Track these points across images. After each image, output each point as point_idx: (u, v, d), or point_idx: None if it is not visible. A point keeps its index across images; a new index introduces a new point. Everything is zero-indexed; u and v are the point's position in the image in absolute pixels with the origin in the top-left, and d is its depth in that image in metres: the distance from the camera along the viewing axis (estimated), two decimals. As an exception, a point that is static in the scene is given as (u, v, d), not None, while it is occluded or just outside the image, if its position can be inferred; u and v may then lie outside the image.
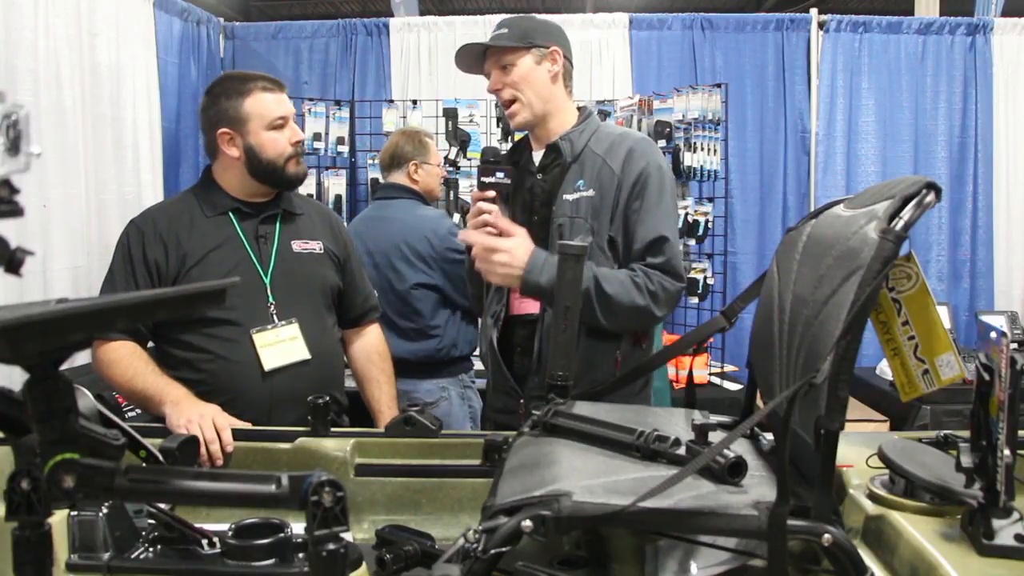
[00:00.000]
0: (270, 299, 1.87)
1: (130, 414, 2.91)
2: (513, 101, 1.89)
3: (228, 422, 1.61)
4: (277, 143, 1.91)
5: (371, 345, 2.14)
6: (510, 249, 1.75)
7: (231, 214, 1.93)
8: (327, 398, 1.56)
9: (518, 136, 2.43)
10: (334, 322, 2.03)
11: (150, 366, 1.79)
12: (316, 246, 1.99)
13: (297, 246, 1.96)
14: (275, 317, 1.87)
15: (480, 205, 1.80)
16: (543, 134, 1.94)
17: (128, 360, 1.79)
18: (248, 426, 1.69)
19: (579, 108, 1.98)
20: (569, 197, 1.85)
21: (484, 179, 1.80)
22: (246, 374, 1.82)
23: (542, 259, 1.75)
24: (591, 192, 1.84)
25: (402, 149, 2.92)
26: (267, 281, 1.89)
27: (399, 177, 2.94)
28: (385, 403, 2.08)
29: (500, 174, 1.80)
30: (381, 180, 3.10)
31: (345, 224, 2.20)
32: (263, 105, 1.90)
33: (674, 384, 3.33)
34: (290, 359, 1.85)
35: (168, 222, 1.91)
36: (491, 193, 1.79)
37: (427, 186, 2.96)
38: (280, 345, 1.85)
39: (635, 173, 1.83)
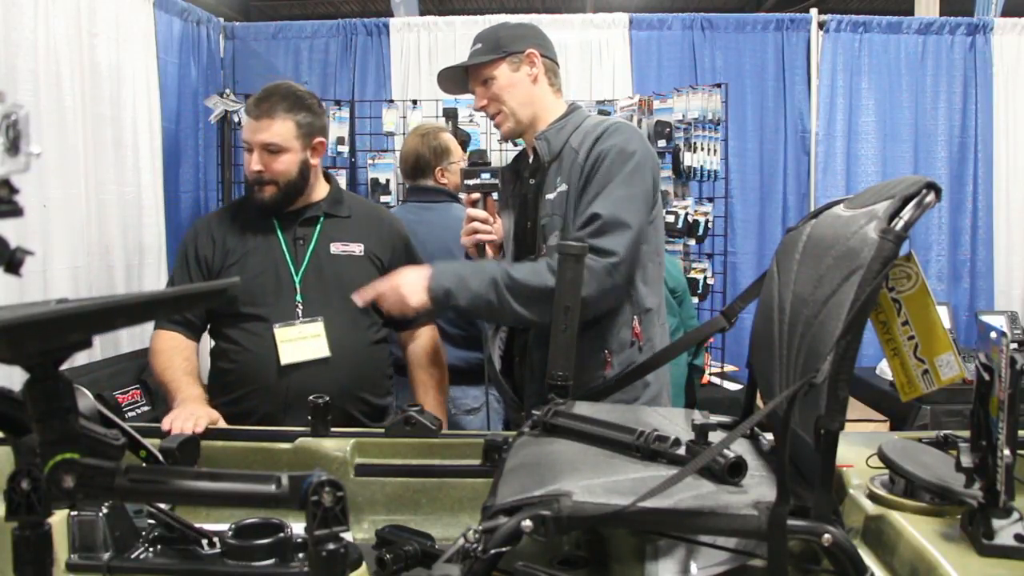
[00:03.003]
0: (298, 298, 1.94)
1: (130, 414, 2.91)
2: (499, 113, 1.88)
3: (206, 424, 1.67)
4: (248, 166, 1.97)
5: (421, 349, 2.12)
6: (401, 276, 1.74)
7: (275, 218, 2.01)
8: (327, 398, 1.56)
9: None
10: (370, 324, 2.02)
11: (184, 362, 1.91)
12: (356, 248, 2.02)
13: (336, 248, 2.01)
14: (300, 314, 1.93)
15: (470, 212, 1.82)
16: (533, 139, 1.90)
17: (168, 353, 1.92)
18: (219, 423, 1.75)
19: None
20: (550, 196, 1.82)
21: (469, 181, 1.82)
22: (264, 366, 1.90)
23: (442, 267, 1.73)
24: (565, 187, 1.80)
25: (423, 159, 2.82)
26: (297, 280, 1.95)
27: (428, 181, 2.84)
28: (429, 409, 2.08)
29: (486, 175, 1.82)
30: (405, 183, 3.00)
31: (405, 229, 2.17)
32: (244, 128, 2.02)
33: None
34: (309, 355, 1.90)
35: (220, 220, 2.05)
36: (476, 195, 1.82)
37: (455, 182, 2.84)
38: (301, 341, 1.91)
39: (594, 155, 1.76)
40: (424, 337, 2.14)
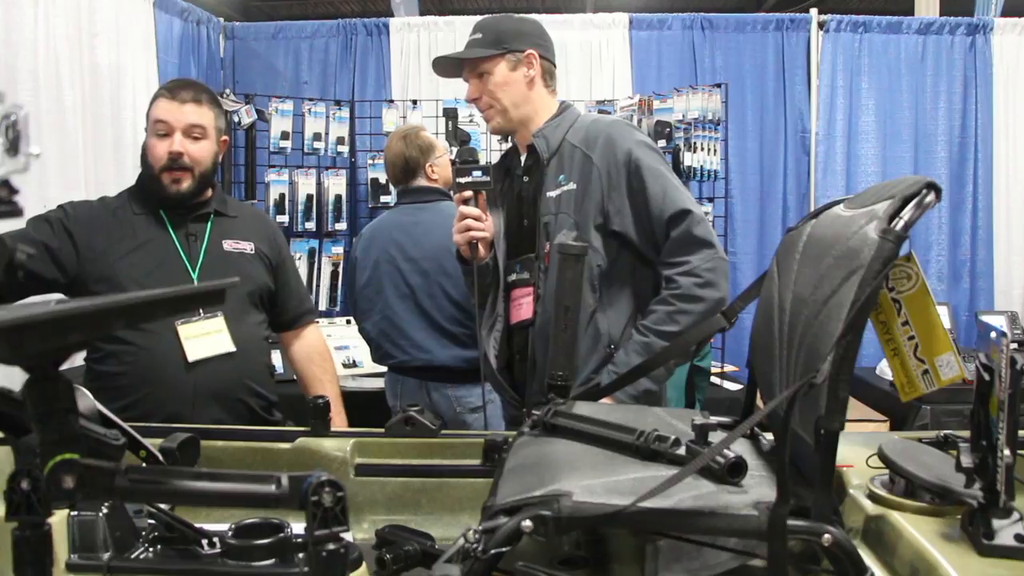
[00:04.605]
0: None
1: (130, 414, 2.89)
2: (489, 107, 1.89)
3: None
4: (155, 149, 1.92)
5: (311, 346, 2.15)
6: None
7: (162, 212, 1.97)
8: (327, 398, 1.57)
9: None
10: (261, 320, 2.05)
11: None
12: (247, 247, 2.03)
13: (228, 245, 2.01)
14: (200, 311, 1.90)
15: (463, 209, 1.82)
16: (526, 137, 1.90)
17: None
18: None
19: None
20: (552, 194, 1.82)
21: (460, 180, 1.81)
22: (168, 364, 1.85)
23: None
24: (572, 185, 1.80)
25: (412, 159, 2.81)
26: (195, 276, 1.93)
27: (419, 180, 2.84)
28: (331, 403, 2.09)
29: (477, 173, 1.81)
30: (395, 188, 2.99)
31: (280, 229, 2.21)
32: (155, 109, 1.95)
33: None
34: (215, 351, 1.88)
35: (104, 211, 1.96)
36: (468, 193, 1.81)
37: (445, 177, 2.85)
38: (205, 337, 1.89)
39: (622, 158, 1.77)
40: (312, 334, 2.17)
